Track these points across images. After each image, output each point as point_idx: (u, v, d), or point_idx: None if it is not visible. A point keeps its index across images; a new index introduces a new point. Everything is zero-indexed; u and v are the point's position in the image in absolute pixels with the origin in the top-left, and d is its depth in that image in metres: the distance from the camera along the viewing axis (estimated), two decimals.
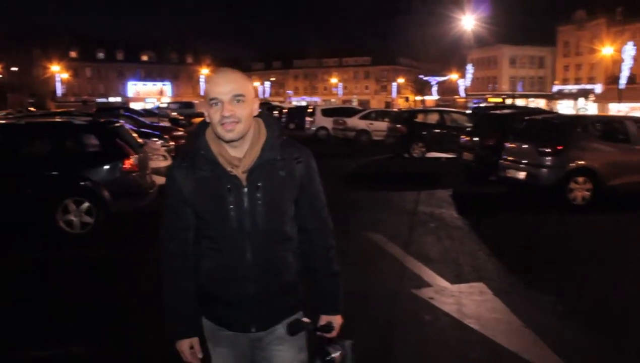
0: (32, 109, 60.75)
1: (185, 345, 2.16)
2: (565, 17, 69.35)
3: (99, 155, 8.24)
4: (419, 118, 19.60)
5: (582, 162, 9.68)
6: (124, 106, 43.07)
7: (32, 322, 4.87)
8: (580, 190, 9.68)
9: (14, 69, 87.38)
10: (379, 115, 25.70)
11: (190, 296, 2.15)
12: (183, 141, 22.27)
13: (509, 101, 60.69)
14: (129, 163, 8.21)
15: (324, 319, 2.22)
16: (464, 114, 21.50)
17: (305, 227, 2.17)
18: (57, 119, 10.12)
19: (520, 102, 64.59)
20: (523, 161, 10.28)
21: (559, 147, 9.71)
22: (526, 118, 11.48)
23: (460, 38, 51.06)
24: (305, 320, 2.17)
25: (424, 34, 53.45)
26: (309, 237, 2.18)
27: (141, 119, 25.05)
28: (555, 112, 17.62)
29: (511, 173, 10.53)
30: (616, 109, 50.68)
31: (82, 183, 8.00)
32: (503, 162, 10.83)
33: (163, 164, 11.52)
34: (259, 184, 2.00)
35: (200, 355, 2.20)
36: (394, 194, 11.24)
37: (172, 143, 17.39)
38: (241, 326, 2.11)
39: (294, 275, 2.13)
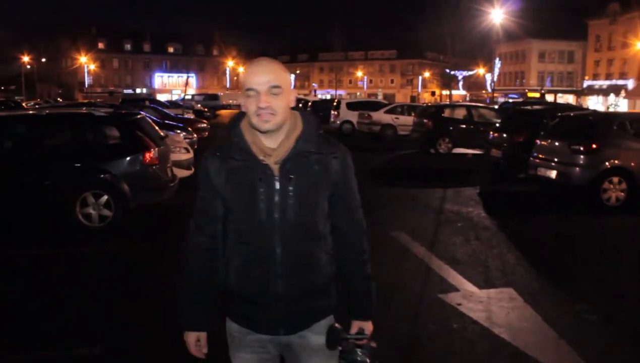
0: (59, 99, 61.76)
1: (192, 338, 2.12)
2: (597, 10, 67.89)
3: (119, 148, 8.12)
4: (446, 113, 19.17)
5: (617, 162, 9.27)
6: (149, 98, 43.37)
7: (36, 321, 4.73)
8: (614, 191, 9.28)
9: (43, 60, 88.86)
10: (405, 109, 25.30)
11: (208, 290, 2.09)
12: (206, 133, 22.27)
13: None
14: (149, 156, 8.07)
15: (355, 325, 2.15)
16: (492, 109, 21.07)
17: (338, 228, 2.10)
18: (77, 111, 9.99)
19: (548, 98, 63.53)
20: (555, 159, 9.90)
21: (593, 146, 9.31)
22: (559, 114, 11.06)
23: (488, 32, 50.18)
24: (338, 326, 2.08)
25: (451, 27, 52.51)
26: (341, 238, 2.11)
27: (165, 110, 25.08)
28: (589, 109, 16.95)
29: (542, 171, 10.15)
30: None
31: (102, 176, 7.88)
32: (533, 160, 10.45)
33: (185, 156, 11.42)
34: (291, 176, 1.94)
35: (205, 350, 2.16)
36: (419, 191, 10.94)
37: (194, 135, 17.32)
38: (268, 328, 2.03)
39: (326, 277, 2.06)
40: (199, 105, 46.09)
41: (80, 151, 8.00)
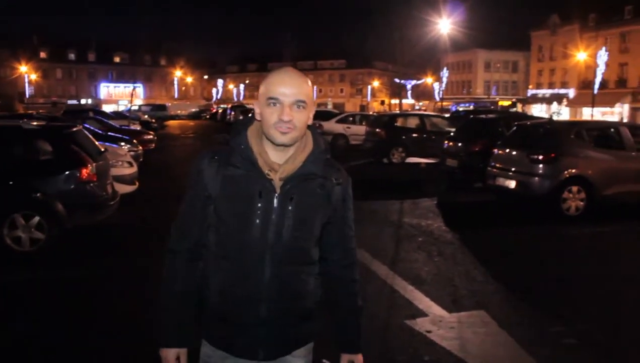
0: None
1: (171, 354, 1.93)
2: (539, 22, 69.89)
3: (51, 164, 7.39)
4: (399, 122, 18.96)
5: (576, 171, 9.12)
6: (94, 108, 41.89)
7: None
8: (574, 200, 9.12)
9: None
10: (357, 118, 25.08)
11: (189, 302, 1.94)
12: (153, 145, 21.43)
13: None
14: (85, 172, 7.39)
15: (344, 358, 2.07)
16: (444, 118, 21.02)
17: (330, 256, 2.02)
18: (3, 123, 9.19)
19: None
20: (513, 169, 9.70)
21: (552, 155, 9.13)
22: (516, 123, 10.89)
23: (436, 42, 50.79)
24: (326, 362, 2.06)
25: (400, 37, 52.91)
26: (332, 267, 2.03)
27: (110, 122, 24.08)
28: (545, 118, 16.94)
29: (500, 181, 9.94)
30: (589, 113, 51.00)
31: (32, 194, 7.15)
32: (491, 170, 10.24)
33: (128, 171, 10.72)
34: (293, 196, 1.84)
35: None
36: (375, 204, 10.56)
37: (140, 148, 16.53)
38: (247, 351, 1.90)
39: (312, 303, 1.96)
40: (146, 116, 44.78)
41: (8, 167, 7.25)
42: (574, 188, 9.09)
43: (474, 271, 6.39)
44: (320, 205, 1.91)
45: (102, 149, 8.67)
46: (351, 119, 25.06)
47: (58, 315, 5.07)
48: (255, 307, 1.85)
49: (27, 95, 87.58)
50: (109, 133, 17.44)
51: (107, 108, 67.49)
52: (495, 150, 10.32)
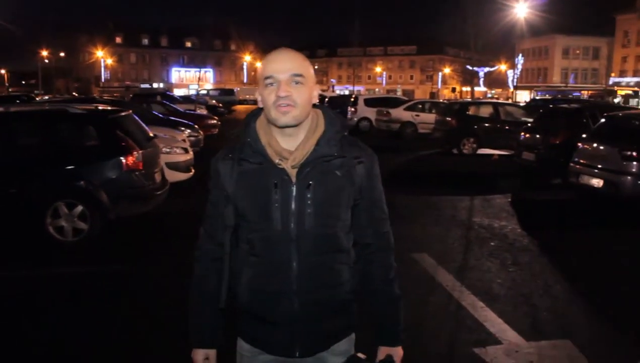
0: (75, 94, 61.39)
1: (200, 356, 1.92)
2: (625, 4, 65.87)
3: (96, 150, 7.02)
4: (471, 110, 17.76)
5: None
6: (165, 92, 42.46)
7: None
8: None
9: (62, 54, 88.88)
10: (426, 106, 23.94)
11: (217, 303, 1.88)
12: (216, 131, 21.18)
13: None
14: (131, 160, 6.96)
15: (383, 351, 1.92)
16: (520, 107, 19.73)
17: (362, 241, 1.91)
18: (49, 108, 8.90)
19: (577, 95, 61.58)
20: (601, 166, 8.62)
21: None
22: (605, 114, 9.73)
23: (511, 27, 48.58)
24: (361, 355, 1.82)
25: (473, 22, 50.77)
26: (366, 253, 1.91)
27: (176, 106, 24.09)
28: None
29: (585, 179, 8.87)
30: None
31: (76, 183, 6.79)
32: (574, 166, 9.17)
33: (183, 157, 10.33)
34: (311, 182, 1.74)
35: None
36: (443, 199, 9.69)
37: (201, 133, 16.24)
38: (283, 349, 1.82)
39: (347, 293, 1.85)
40: (214, 101, 45.03)
41: (51, 154, 6.90)
42: None
43: (555, 286, 5.51)
44: (341, 187, 1.79)
45: (152, 135, 8.23)
46: (420, 106, 23.92)
47: (93, 312, 4.60)
48: (288, 302, 1.78)
49: (102, 79, 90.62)
50: (171, 117, 17.29)
51: (178, 92, 68.88)
52: (580, 145, 9.23)
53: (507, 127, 16.71)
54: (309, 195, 1.75)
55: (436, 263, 6.04)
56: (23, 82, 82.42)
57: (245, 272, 1.83)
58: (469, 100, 25.91)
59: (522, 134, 12.34)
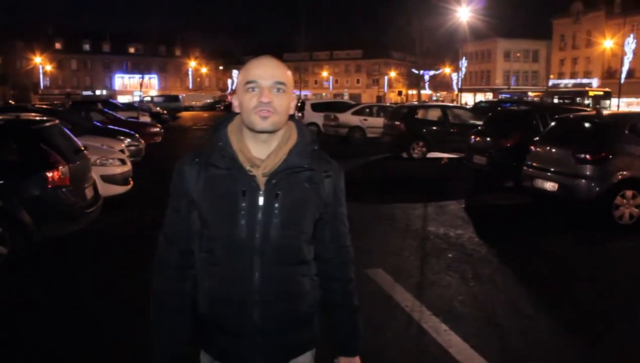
0: (11, 102, 58.74)
1: None
2: (561, 9, 68.00)
3: (16, 165, 6.30)
4: (419, 114, 17.60)
5: (631, 172, 7.84)
6: (106, 100, 41.02)
7: None
8: (628, 207, 7.84)
9: None
10: (374, 110, 23.73)
11: (182, 314, 1.83)
12: (159, 139, 20.37)
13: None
14: (56, 175, 6.29)
15: (342, 361, 1.96)
16: (468, 109, 19.72)
17: (323, 255, 1.90)
18: None
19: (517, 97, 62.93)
20: (554, 169, 8.43)
21: (603, 154, 7.86)
22: (557, 116, 9.58)
23: (454, 31, 49.29)
24: None
25: (417, 26, 51.22)
26: (327, 266, 1.90)
27: (117, 114, 23.13)
28: (591, 109, 15.00)
29: (539, 183, 8.68)
30: (614, 104, 49.15)
31: None
32: (528, 169, 8.98)
33: (119, 169, 9.61)
34: (279, 192, 1.73)
35: None
36: (395, 207, 9.33)
37: (142, 142, 15.46)
38: (244, 360, 1.79)
39: (309, 305, 1.84)
40: (158, 108, 43.82)
41: None
42: (629, 193, 7.81)
43: (520, 301, 5.18)
44: (309, 200, 1.79)
45: (82, 147, 7.55)
46: (368, 110, 23.68)
47: (17, 347, 3.96)
48: (249, 312, 1.75)
49: (41, 87, 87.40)
50: (110, 126, 16.45)
51: (122, 99, 67.03)
52: (533, 148, 9.05)
53: (456, 130, 16.62)
54: (276, 205, 1.73)
55: (393, 280, 5.63)
56: None
57: (206, 282, 1.79)
58: (417, 103, 25.75)
59: (473, 137, 12.16)
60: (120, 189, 9.49)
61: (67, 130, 7.51)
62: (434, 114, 17.62)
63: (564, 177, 8.21)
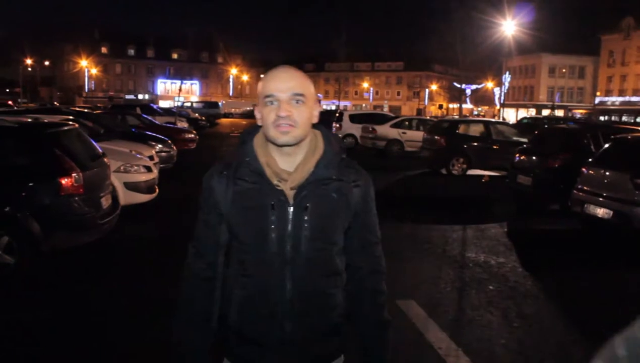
0: (56, 103, 60.01)
1: None
2: (611, 25, 66.07)
3: (27, 171, 5.93)
4: (461, 129, 16.87)
5: None
6: (146, 104, 41.32)
7: None
8: None
9: (47, 63, 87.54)
10: (413, 123, 23.03)
11: (207, 325, 1.82)
12: (193, 145, 20.11)
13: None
14: (69, 182, 5.91)
15: None
16: (511, 125, 18.92)
17: (354, 265, 1.87)
18: None
19: (559, 114, 61.41)
20: (609, 194, 7.70)
21: None
22: (613, 136, 8.81)
23: (498, 44, 48.22)
24: None
25: (461, 39, 50.22)
26: (357, 276, 1.87)
27: (152, 119, 23.08)
28: None
29: (591, 209, 7.94)
30: None
31: (1, 209, 5.71)
32: (578, 194, 8.25)
33: (144, 177, 9.25)
34: (308, 205, 1.72)
35: None
36: (433, 229, 8.70)
37: (174, 148, 15.17)
38: None
39: (339, 316, 1.82)
40: (197, 114, 43.95)
41: None
42: None
43: (572, 347, 4.53)
44: (338, 210, 1.76)
45: (101, 152, 7.18)
46: (407, 123, 22.97)
47: None
48: (279, 325, 1.73)
49: (86, 89, 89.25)
50: (142, 131, 16.24)
51: (164, 104, 67.79)
52: (585, 170, 8.32)
53: (498, 147, 15.87)
54: (305, 218, 1.71)
55: (426, 315, 5.03)
56: (7, 90, 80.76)
57: (237, 294, 1.78)
58: (458, 118, 24.92)
59: (517, 155, 11.42)
60: (143, 198, 9.12)
61: (85, 135, 7.14)
62: (476, 129, 16.87)
63: (620, 203, 7.48)
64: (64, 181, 5.87)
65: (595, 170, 8.16)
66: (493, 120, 21.36)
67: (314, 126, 1.80)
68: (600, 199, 7.83)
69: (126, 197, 8.81)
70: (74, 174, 5.93)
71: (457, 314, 5.18)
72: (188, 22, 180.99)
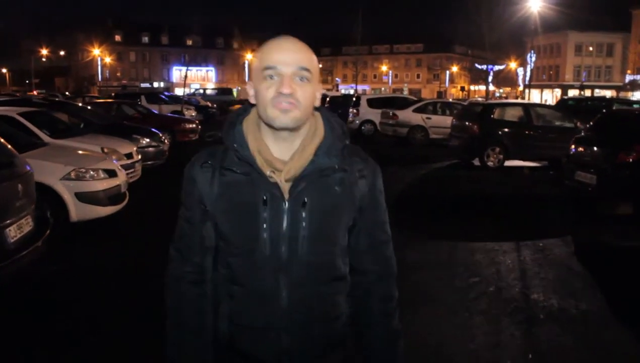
0: (67, 93, 58.78)
1: None
2: None
3: None
4: (496, 113, 14.53)
5: None
6: (151, 92, 39.73)
7: None
8: None
9: (62, 53, 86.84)
10: (438, 107, 20.79)
11: (202, 334, 1.59)
12: (194, 136, 18.17)
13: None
14: None
15: None
16: (555, 108, 16.64)
17: (360, 267, 1.63)
18: None
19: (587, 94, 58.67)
20: None
21: None
22: None
23: (521, 23, 45.90)
24: None
25: (482, 19, 47.61)
26: (364, 281, 1.63)
27: (152, 108, 21.40)
28: None
29: None
30: None
31: None
32: None
33: (104, 184, 7.33)
34: (306, 200, 1.48)
35: None
36: (470, 247, 6.58)
37: (167, 142, 13.26)
38: None
39: (344, 325, 1.60)
40: (208, 102, 42.10)
41: None
42: None
43: None
44: (341, 206, 1.53)
45: (13, 159, 5.17)
46: (431, 108, 20.67)
47: None
48: (276, 338, 1.51)
49: (100, 78, 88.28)
50: (132, 124, 14.38)
51: (179, 91, 66.23)
52: None
53: (540, 134, 13.66)
54: (303, 215, 1.48)
55: None
56: (27, 81, 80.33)
57: (226, 303, 1.55)
58: (494, 101, 22.48)
59: (574, 146, 9.22)
60: (104, 211, 7.19)
61: None
62: (514, 114, 14.51)
63: None
64: None
65: None
66: (533, 102, 19.05)
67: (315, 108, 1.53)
68: None
69: (78, 212, 6.92)
70: None
71: None
72: (202, 8, 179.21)
